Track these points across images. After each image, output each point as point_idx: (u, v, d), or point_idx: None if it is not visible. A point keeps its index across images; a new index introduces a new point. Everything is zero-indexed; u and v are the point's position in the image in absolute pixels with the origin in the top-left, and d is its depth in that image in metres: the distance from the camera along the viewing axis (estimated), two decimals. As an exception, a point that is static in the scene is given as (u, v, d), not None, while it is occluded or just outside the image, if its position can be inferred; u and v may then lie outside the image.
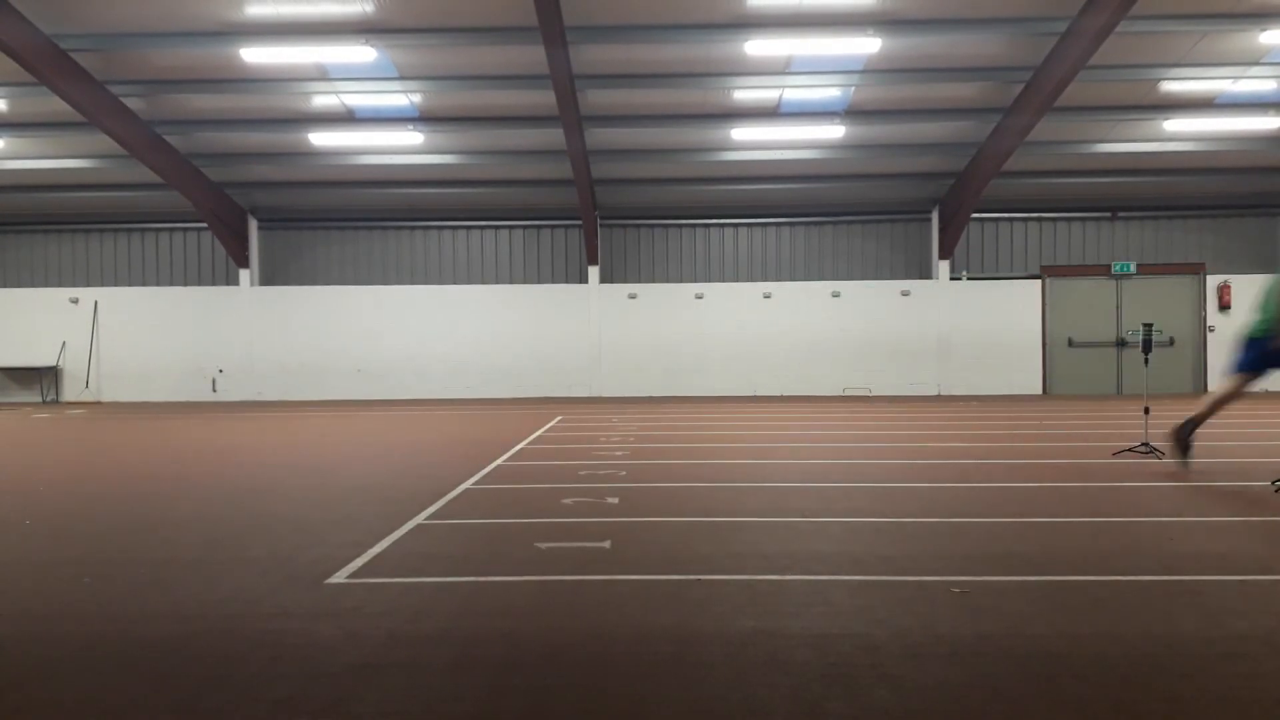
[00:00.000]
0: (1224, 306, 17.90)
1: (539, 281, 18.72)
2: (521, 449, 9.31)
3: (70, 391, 18.47)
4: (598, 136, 15.92)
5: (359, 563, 4.53)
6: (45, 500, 6.68)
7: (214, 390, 18.41)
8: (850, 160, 16.86)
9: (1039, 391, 18.00)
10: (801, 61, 13.70)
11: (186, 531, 5.42)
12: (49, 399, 18.40)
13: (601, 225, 18.51)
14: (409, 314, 18.36)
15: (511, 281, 18.76)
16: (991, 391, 17.89)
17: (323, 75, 14.00)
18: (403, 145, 16.24)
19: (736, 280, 18.52)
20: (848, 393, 17.97)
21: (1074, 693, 2.89)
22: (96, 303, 18.47)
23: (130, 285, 18.74)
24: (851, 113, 15.22)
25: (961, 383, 18.01)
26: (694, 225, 18.68)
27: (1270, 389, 17.71)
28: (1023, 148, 15.44)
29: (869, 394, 17.90)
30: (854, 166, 17.22)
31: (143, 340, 18.39)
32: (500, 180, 17.69)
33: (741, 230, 18.69)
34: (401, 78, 14.06)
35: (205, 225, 18.07)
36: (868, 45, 12.82)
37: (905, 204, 18.30)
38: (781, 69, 13.93)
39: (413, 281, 18.74)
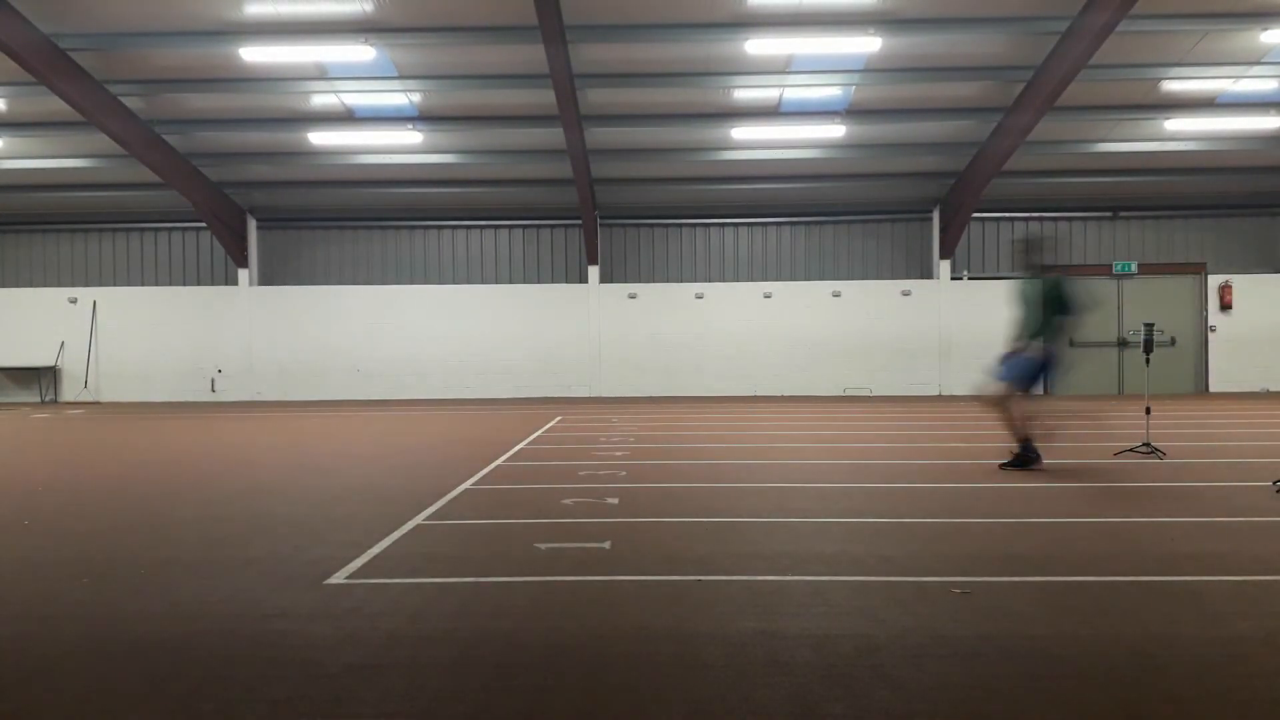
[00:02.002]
0: (1225, 306, 17.88)
1: (539, 281, 18.71)
2: (521, 449, 9.30)
3: (69, 392, 18.46)
4: (598, 136, 15.91)
5: (359, 563, 4.53)
6: (44, 501, 6.67)
7: (213, 390, 18.39)
8: (851, 160, 16.85)
9: (1040, 391, 17.97)
10: (802, 61, 13.69)
11: (186, 532, 5.42)
12: (48, 399, 18.38)
13: (601, 225, 18.50)
14: (408, 314, 18.34)
15: (511, 281, 18.75)
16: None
17: (322, 74, 13.99)
18: (402, 144, 16.23)
19: (737, 280, 18.51)
20: (848, 393, 17.96)
21: (1075, 693, 2.88)
22: (95, 303, 18.46)
23: (129, 285, 18.73)
24: (852, 112, 15.21)
25: (963, 382, 17.97)
26: (694, 225, 18.66)
27: (1270, 389, 17.71)
28: (1024, 147, 15.43)
29: (870, 394, 17.89)
30: (855, 166, 17.21)
31: (142, 340, 18.37)
32: (500, 180, 17.68)
33: (742, 230, 18.68)
34: (401, 77, 14.05)
35: (204, 225, 18.05)
36: (868, 44, 12.81)
37: (906, 203, 18.28)
38: (782, 68, 13.92)
39: (412, 281, 18.73)
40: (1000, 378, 7.11)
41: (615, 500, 6.20)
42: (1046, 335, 7.01)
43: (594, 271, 18.24)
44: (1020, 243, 7.22)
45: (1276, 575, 4.23)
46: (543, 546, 4.82)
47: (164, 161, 15.76)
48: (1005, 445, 7.47)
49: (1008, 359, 7.15)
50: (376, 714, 2.78)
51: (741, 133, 15.74)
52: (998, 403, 7.15)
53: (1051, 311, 6.96)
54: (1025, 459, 7.21)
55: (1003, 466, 7.22)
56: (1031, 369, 7.02)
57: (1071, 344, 17.84)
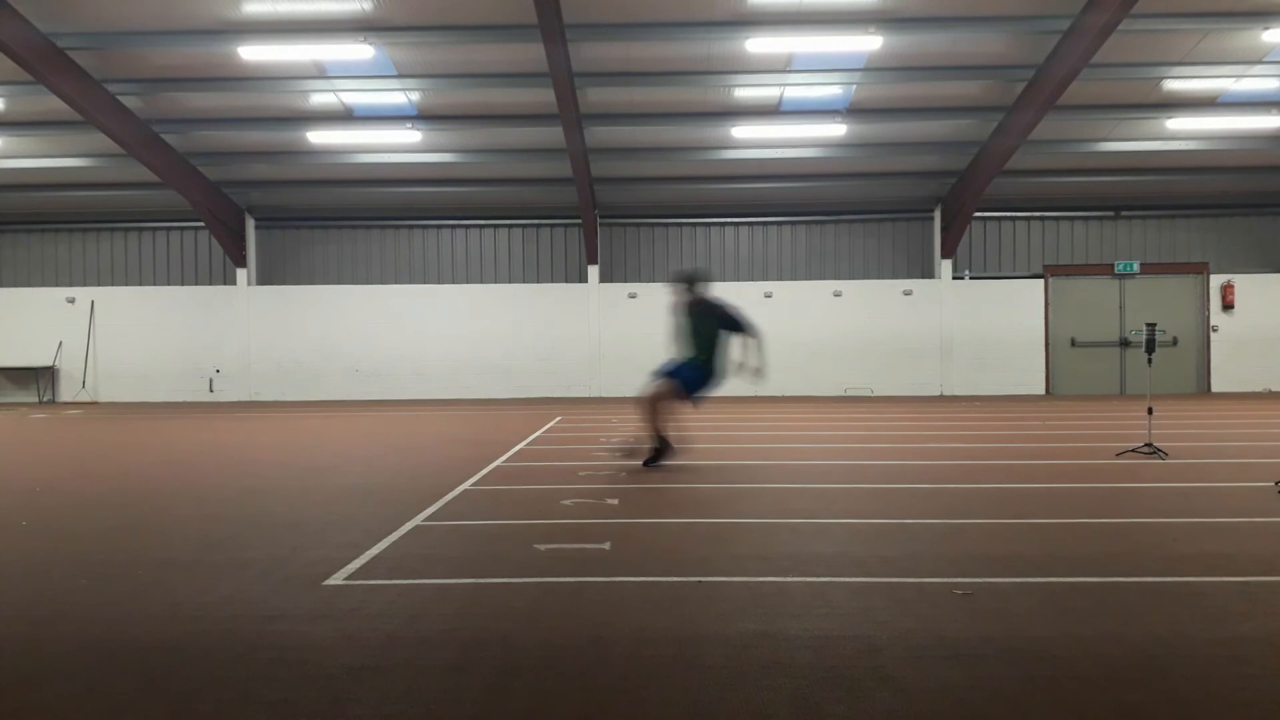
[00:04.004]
0: (1227, 306, 17.86)
1: (538, 281, 18.69)
2: (520, 449, 9.28)
3: (67, 392, 18.44)
4: (597, 135, 15.89)
5: (357, 564, 4.51)
6: (42, 501, 6.65)
7: (211, 390, 18.38)
8: (852, 159, 16.83)
9: (1042, 392, 17.97)
10: (803, 59, 13.67)
11: (184, 533, 5.40)
12: (46, 399, 18.37)
13: (601, 224, 18.48)
14: (407, 313, 18.32)
15: (510, 281, 18.73)
16: (994, 391, 17.86)
17: (321, 73, 13.97)
18: (401, 143, 16.21)
19: (737, 280, 18.48)
20: (849, 393, 17.94)
21: (1077, 695, 2.87)
22: (93, 302, 18.44)
23: (127, 285, 18.70)
24: (853, 111, 15.19)
25: (964, 383, 17.97)
26: (694, 224, 18.64)
27: (1273, 389, 17.69)
28: (1025, 146, 15.41)
29: (871, 394, 17.87)
30: (855, 165, 17.19)
31: (140, 340, 18.35)
32: (499, 179, 17.66)
33: (742, 229, 18.66)
34: (400, 75, 14.03)
35: (202, 224, 18.03)
36: (869, 43, 12.79)
37: (907, 203, 18.26)
38: (782, 67, 13.90)
39: (411, 281, 18.70)
40: (668, 378, 7.49)
41: (615, 501, 6.18)
42: (716, 354, 7.58)
43: (594, 271, 18.22)
44: (680, 279, 7.78)
45: (1279, 576, 4.20)
46: (542, 547, 4.80)
47: (162, 161, 15.74)
48: (640, 444, 7.68)
49: (679, 366, 7.57)
50: (375, 716, 2.76)
51: (742, 132, 15.72)
52: (654, 400, 7.44)
53: (720, 332, 7.54)
54: (660, 454, 7.54)
55: (646, 464, 7.52)
56: (699, 380, 7.51)
57: (1074, 343, 17.92)
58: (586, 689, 2.94)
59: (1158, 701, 2.82)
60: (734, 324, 7.52)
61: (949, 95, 14.83)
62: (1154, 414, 8.51)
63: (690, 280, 7.69)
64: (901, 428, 11.29)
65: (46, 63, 12.48)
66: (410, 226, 18.77)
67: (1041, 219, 18.33)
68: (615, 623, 3.58)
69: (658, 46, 13.27)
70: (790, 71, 14.00)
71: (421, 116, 15.48)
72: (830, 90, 14.68)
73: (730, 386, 18.68)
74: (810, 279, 18.41)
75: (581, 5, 12.16)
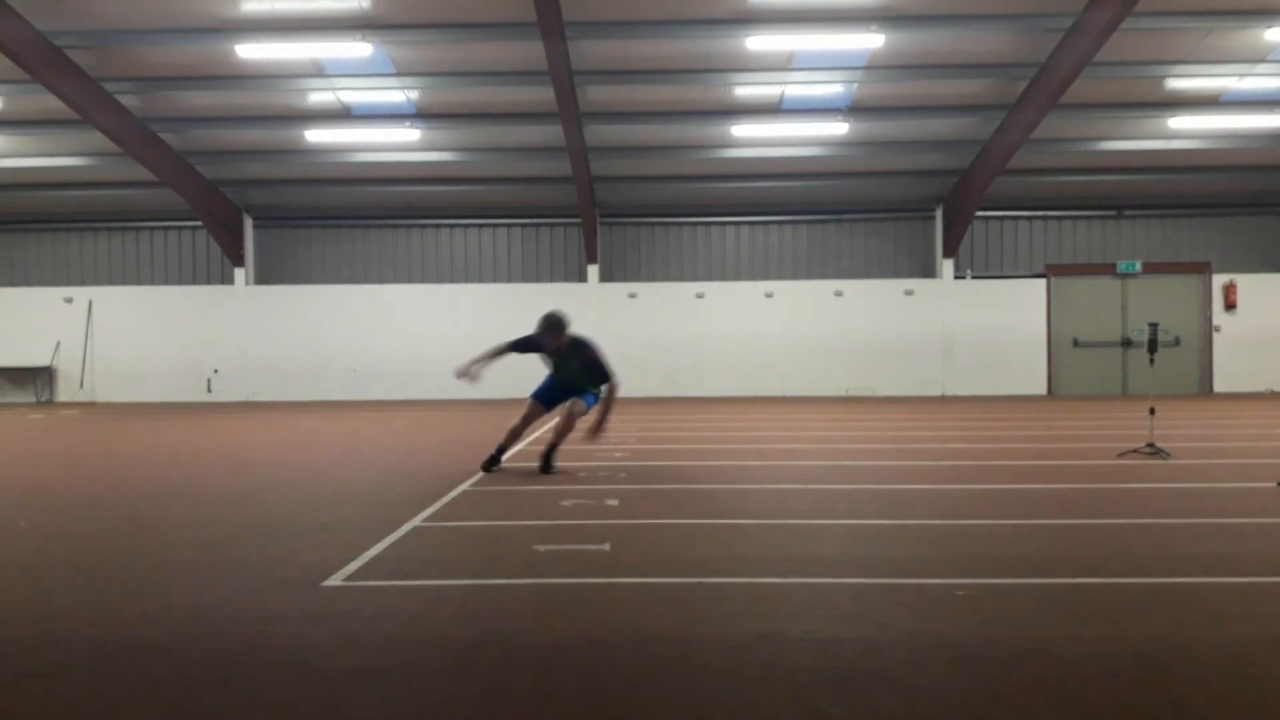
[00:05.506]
0: (1230, 306, 17.82)
1: (537, 280, 18.64)
2: (520, 450, 9.25)
3: (64, 392, 18.40)
4: (597, 133, 15.86)
5: (355, 565, 4.48)
6: (39, 502, 6.63)
7: (209, 390, 18.34)
8: (853, 157, 16.80)
9: (1044, 392, 17.93)
10: (804, 57, 13.65)
11: (181, 533, 5.37)
12: (43, 399, 18.34)
13: (601, 223, 18.44)
14: (405, 313, 18.27)
15: (510, 280, 18.69)
16: (996, 392, 17.82)
17: (319, 71, 13.94)
18: (399, 142, 16.17)
19: (738, 279, 18.45)
20: (850, 393, 17.91)
21: (1079, 696, 2.85)
22: (91, 302, 18.40)
23: (124, 284, 18.65)
24: (854, 109, 15.16)
25: (966, 383, 17.93)
26: (695, 223, 18.61)
27: (1275, 389, 17.67)
28: (1027, 145, 15.38)
29: (872, 394, 17.84)
30: (857, 164, 17.16)
31: (137, 340, 18.29)
32: (498, 178, 17.62)
33: (743, 229, 18.62)
34: (398, 74, 14.01)
35: (200, 223, 18.00)
36: (871, 41, 12.76)
37: (909, 202, 18.23)
38: (783, 65, 13.88)
39: (409, 280, 18.66)
40: (583, 401, 8.00)
41: (615, 502, 6.15)
42: (589, 384, 8.03)
43: (593, 270, 18.19)
44: (548, 325, 8.09)
45: (1283, 577, 4.19)
46: (542, 549, 4.77)
47: (160, 160, 15.71)
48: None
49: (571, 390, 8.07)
50: (374, 718, 2.74)
51: (742, 130, 15.69)
52: (570, 418, 7.88)
53: (590, 370, 7.96)
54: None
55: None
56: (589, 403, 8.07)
57: (1076, 343, 17.88)
58: (586, 691, 2.92)
59: (1160, 703, 2.80)
60: (597, 371, 7.83)
61: (951, 94, 14.80)
62: (1156, 414, 8.48)
63: (558, 325, 8.01)
64: (903, 428, 11.26)
65: (44, 61, 12.45)
66: (409, 226, 18.73)
67: (1044, 218, 18.29)
68: (615, 624, 3.56)
69: (658, 44, 13.24)
70: (791, 70, 13.97)
71: (420, 115, 15.44)
72: (831, 89, 14.65)
73: (729, 386, 18.69)
74: (811, 278, 18.36)
75: (581, 3, 12.12)
